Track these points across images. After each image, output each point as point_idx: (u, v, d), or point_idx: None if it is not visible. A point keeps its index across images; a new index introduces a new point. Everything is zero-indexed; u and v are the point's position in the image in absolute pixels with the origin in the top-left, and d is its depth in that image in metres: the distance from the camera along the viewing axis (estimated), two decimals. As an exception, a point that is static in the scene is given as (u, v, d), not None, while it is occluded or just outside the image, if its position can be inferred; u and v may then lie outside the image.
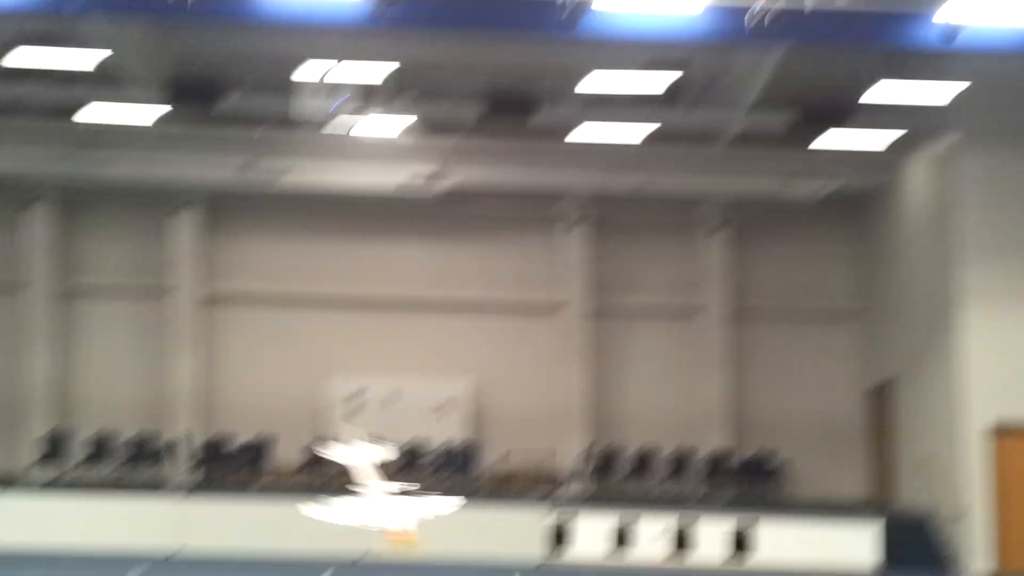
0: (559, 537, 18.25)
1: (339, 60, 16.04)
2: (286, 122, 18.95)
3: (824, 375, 23.09)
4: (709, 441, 22.09)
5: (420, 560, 17.42)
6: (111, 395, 22.30)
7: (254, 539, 17.80)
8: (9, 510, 18.18)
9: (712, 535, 18.09)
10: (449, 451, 20.92)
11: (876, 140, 18.92)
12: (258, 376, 22.52)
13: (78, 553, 17.25)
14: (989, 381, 18.01)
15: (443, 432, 21.57)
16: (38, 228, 22.20)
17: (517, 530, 18.20)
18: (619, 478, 21.08)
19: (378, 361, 22.54)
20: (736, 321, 22.94)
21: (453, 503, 7.62)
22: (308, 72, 16.07)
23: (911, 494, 20.06)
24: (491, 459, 21.53)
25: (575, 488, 20.97)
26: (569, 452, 21.90)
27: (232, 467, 20.59)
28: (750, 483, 20.79)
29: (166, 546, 17.64)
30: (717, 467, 21.11)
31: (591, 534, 18.22)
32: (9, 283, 22.15)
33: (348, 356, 22.57)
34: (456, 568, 16.97)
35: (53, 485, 19.88)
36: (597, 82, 16.54)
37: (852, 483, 22.56)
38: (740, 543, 18.06)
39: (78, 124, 19.03)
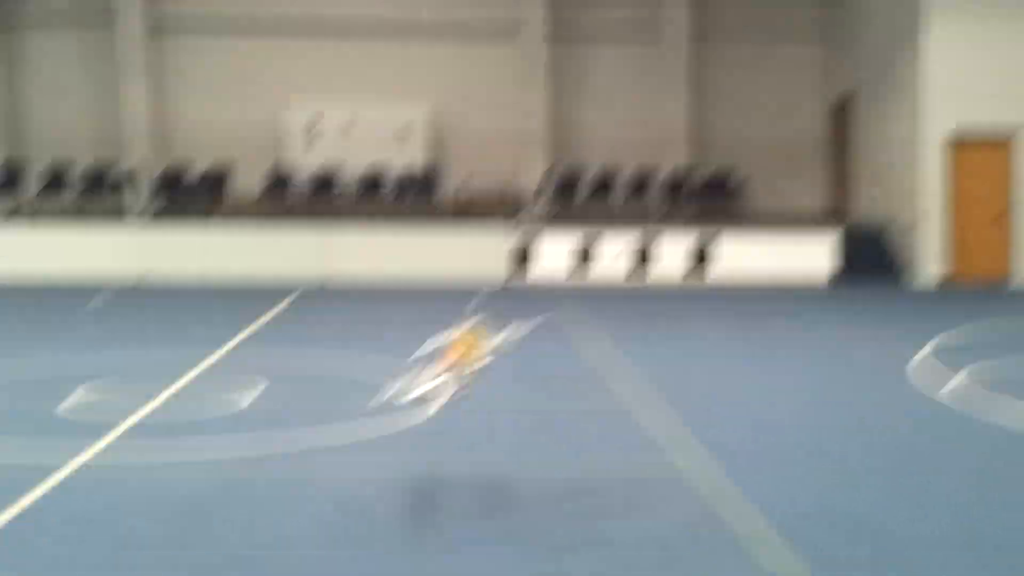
0: (523, 257, 18.49)
1: None
2: None
3: (787, 94, 22.95)
4: (670, 161, 22.16)
5: (387, 284, 17.68)
6: (64, 126, 21.85)
7: (216, 266, 17.89)
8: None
9: (673, 251, 18.40)
10: (410, 176, 20.86)
11: None
12: (214, 105, 22.03)
13: (40, 282, 17.33)
14: (949, 92, 18.03)
15: (403, 157, 21.44)
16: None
17: (481, 252, 18.40)
18: (581, 198, 21.19)
19: (336, 87, 22.06)
20: (699, 41, 22.54)
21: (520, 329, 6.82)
22: None
23: (868, 206, 20.41)
24: (453, 183, 21.52)
25: (537, 209, 21.09)
26: (531, 175, 21.92)
27: (191, 195, 20.48)
28: (710, 200, 20.98)
29: (127, 275, 17.72)
30: (678, 185, 21.24)
31: (554, 253, 18.46)
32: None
33: (305, 82, 22.03)
34: (423, 290, 17.23)
35: (11, 215, 19.74)
36: None
37: (811, 198, 22.87)
38: (701, 257, 18.40)
39: None
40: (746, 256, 18.35)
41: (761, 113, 22.88)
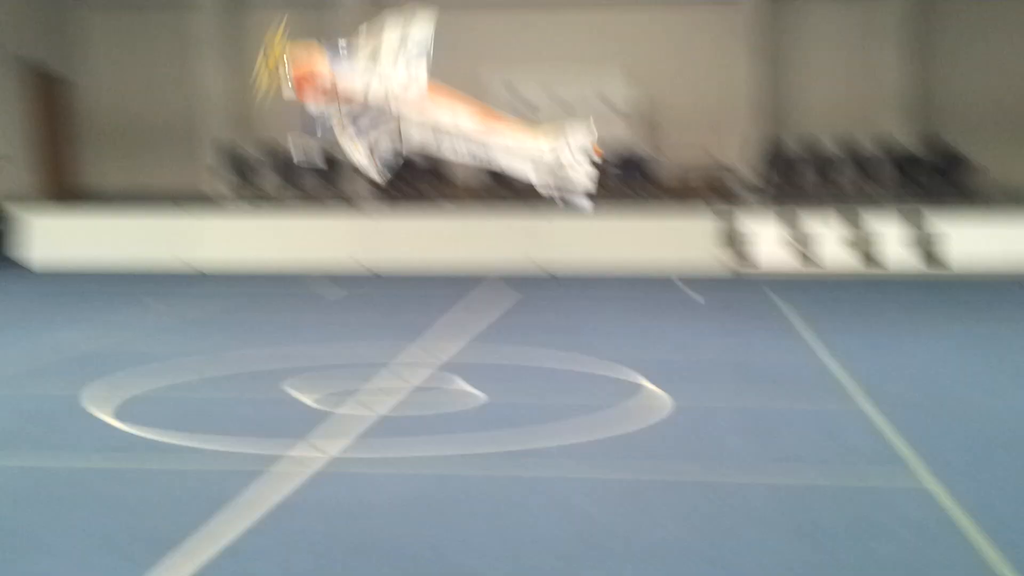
0: (732, 242, 17.86)
1: None
2: None
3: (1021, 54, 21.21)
4: (893, 131, 20.82)
5: (586, 269, 17.39)
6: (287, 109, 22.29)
7: (438, 252, 17.86)
8: (206, 228, 18.57)
9: (896, 233, 17.41)
10: (611, 154, 20.50)
11: None
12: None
13: (275, 268, 17.75)
14: None
15: (604, 135, 20.87)
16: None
17: (686, 236, 17.84)
18: (794, 177, 20.43)
19: (533, 59, 21.59)
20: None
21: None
22: None
23: None
24: (655, 162, 21.04)
25: (747, 190, 20.45)
26: (740, 151, 21.13)
27: (411, 183, 20.65)
28: (936, 177, 19.79)
29: (355, 261, 17.83)
30: (900, 161, 20.16)
31: (765, 238, 17.79)
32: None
33: (504, 55, 21.67)
34: (621, 277, 16.96)
35: (245, 202, 20.24)
36: None
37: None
38: (928, 242, 17.36)
39: None
40: (982, 241, 17.09)
41: (992, 77, 21.08)
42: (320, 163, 5.67)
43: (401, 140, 6.48)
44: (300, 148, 6.70)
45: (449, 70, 22.08)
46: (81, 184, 22.37)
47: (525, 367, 10.20)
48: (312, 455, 7.01)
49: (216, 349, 10.93)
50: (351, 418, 8.04)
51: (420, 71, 6.54)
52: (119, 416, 8.03)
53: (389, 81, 6.43)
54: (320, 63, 6.57)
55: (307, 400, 8.59)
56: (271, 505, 6.01)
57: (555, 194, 6.72)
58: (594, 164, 6.70)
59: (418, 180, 20.68)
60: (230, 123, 21.81)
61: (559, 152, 6.65)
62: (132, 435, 7.55)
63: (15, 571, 5.19)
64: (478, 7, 21.70)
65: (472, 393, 8.87)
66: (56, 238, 18.47)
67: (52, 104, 21.78)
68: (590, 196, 6.72)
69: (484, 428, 7.84)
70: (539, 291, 15.78)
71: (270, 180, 20.72)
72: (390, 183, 20.26)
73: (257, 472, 6.58)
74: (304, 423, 7.85)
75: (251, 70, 21.75)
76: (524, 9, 21.83)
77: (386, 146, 6.56)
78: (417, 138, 6.56)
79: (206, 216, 18.86)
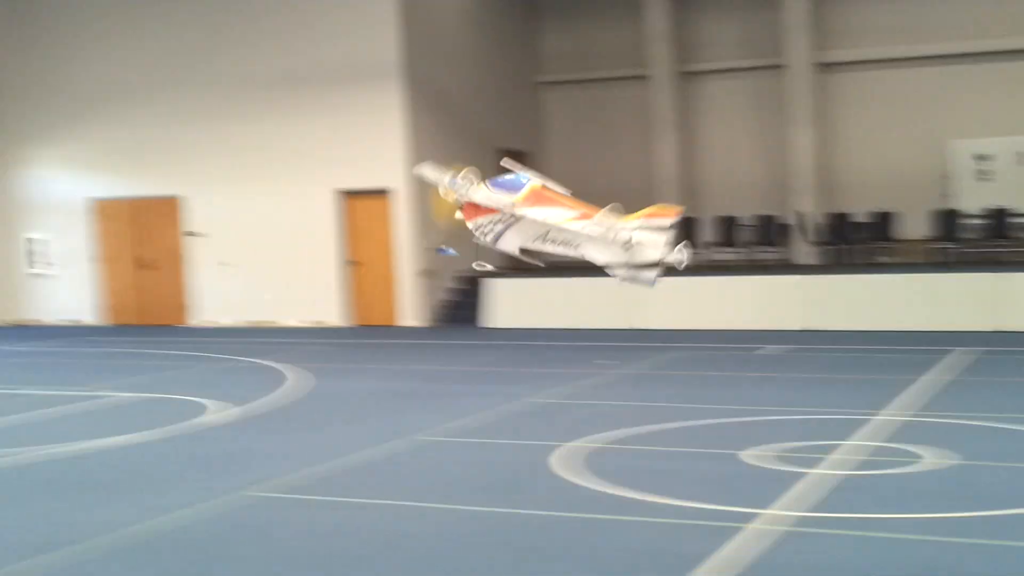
0: None
1: None
2: None
3: None
4: None
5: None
6: (730, 177, 22.67)
7: (879, 314, 17.37)
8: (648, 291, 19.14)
9: None
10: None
11: None
12: (875, 144, 21.64)
13: (712, 330, 18.00)
14: None
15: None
16: (656, 14, 22.72)
17: None
18: None
19: (1005, 118, 20.64)
20: None
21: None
22: None
23: None
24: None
25: None
26: None
27: (855, 242, 20.21)
28: None
29: (792, 324, 17.75)
30: None
31: None
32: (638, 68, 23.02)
33: (971, 115, 20.85)
34: None
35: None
36: None
37: None
38: None
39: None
40: None
41: None
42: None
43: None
44: (482, 267, 8.65)
45: (920, 132, 21.44)
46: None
47: (995, 429, 9.69)
48: (783, 515, 7.02)
49: (671, 406, 11.22)
50: (816, 478, 7.97)
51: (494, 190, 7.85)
52: (582, 470, 8.45)
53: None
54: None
55: (770, 458, 8.64)
56: (747, 564, 6.08)
57: (624, 274, 7.32)
58: (669, 227, 7.14)
59: (864, 238, 20.16)
60: (682, 192, 22.23)
61: (619, 231, 7.20)
62: (597, 489, 7.90)
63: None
64: (947, 63, 20.98)
65: (941, 455, 8.49)
66: (516, 302, 19.73)
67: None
68: (655, 266, 7.19)
69: (957, 493, 7.47)
70: (1000, 351, 14.81)
71: (715, 245, 20.99)
72: (830, 242, 20.05)
73: (731, 530, 6.67)
74: (770, 482, 7.88)
75: (735, 137, 22.36)
76: (998, 63, 20.76)
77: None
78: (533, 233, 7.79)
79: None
